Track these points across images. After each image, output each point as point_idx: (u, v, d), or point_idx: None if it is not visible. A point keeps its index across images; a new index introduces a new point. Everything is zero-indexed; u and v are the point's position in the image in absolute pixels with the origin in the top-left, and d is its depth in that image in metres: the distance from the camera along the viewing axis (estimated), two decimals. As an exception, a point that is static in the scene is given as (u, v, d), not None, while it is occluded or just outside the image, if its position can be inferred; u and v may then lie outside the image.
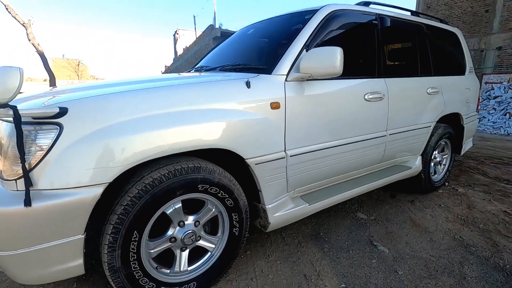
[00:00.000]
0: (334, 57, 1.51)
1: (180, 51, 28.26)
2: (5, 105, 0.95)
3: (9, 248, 1.04)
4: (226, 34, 14.48)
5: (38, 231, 1.05)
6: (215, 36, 14.21)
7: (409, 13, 2.63)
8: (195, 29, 22.74)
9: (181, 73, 2.24)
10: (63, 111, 1.06)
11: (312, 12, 1.91)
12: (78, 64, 36.65)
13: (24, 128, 1.03)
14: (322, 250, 1.96)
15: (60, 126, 1.06)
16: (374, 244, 2.04)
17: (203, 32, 16.62)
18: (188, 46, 22.00)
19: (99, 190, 1.10)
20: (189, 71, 2.49)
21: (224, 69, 2.00)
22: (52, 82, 13.51)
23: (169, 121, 1.24)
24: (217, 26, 14.65)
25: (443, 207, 2.68)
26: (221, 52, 2.56)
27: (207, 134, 1.32)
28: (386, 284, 1.64)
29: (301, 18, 1.94)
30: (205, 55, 2.89)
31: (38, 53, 13.05)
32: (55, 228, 1.07)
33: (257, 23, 2.48)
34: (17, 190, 1.05)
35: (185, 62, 22.72)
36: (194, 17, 22.13)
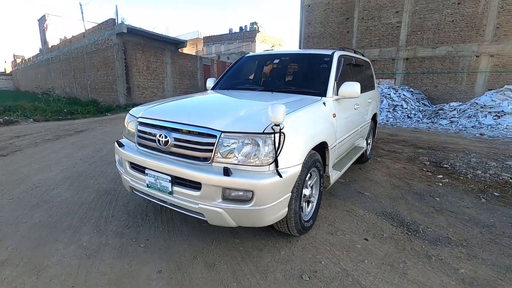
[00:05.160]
0: (357, 87, 2.80)
1: (53, 41, 23.72)
2: (278, 124, 1.78)
3: (269, 203, 1.85)
4: (133, 31, 13.78)
5: (280, 191, 1.90)
6: (120, 31, 13.28)
7: (353, 52, 4.24)
8: (83, 19, 19.75)
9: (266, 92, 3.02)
10: (282, 126, 1.92)
11: (329, 56, 3.15)
12: None
13: (273, 136, 1.85)
14: (341, 200, 3.27)
15: (284, 134, 1.92)
16: (361, 192, 3.52)
17: (99, 25, 14.97)
18: (70, 37, 19.00)
19: (300, 167, 2.03)
20: (229, 88, 3.31)
21: (281, 90, 2.98)
22: None
23: (310, 128, 2.25)
24: (119, 21, 13.64)
25: (376, 169, 4.48)
26: (259, 74, 3.48)
27: (321, 134, 2.39)
28: (376, 204, 3.11)
29: (322, 58, 3.16)
30: (228, 72, 3.69)
31: None
32: (285, 189, 1.94)
33: (279, 55, 3.52)
34: (269, 171, 1.86)
35: (66, 55, 19.51)
36: (80, 5, 18.91)
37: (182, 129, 2.05)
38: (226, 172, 1.81)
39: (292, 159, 1.98)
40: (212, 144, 1.92)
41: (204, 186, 1.89)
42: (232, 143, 1.90)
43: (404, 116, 11.07)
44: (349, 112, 3.23)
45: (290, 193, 2.03)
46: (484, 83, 12.62)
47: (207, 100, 2.87)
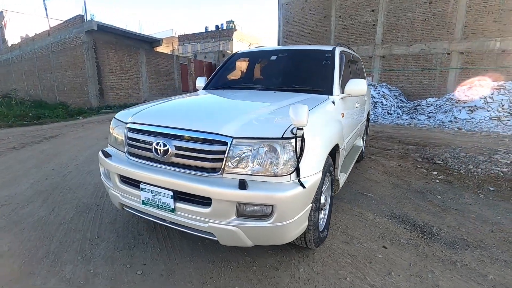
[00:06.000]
0: (363, 85, 2.64)
1: (13, 39, 21.85)
2: (301, 128, 1.54)
3: (291, 217, 1.62)
4: (104, 29, 12.98)
5: (302, 203, 1.67)
6: (90, 29, 12.41)
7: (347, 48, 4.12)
8: (47, 16, 18.26)
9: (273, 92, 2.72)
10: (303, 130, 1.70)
11: (330, 52, 2.97)
12: None
13: (293, 141, 1.61)
14: (346, 203, 3.11)
15: (304, 139, 1.69)
16: (364, 194, 3.39)
17: (66, 22, 13.91)
18: (32, 35, 17.58)
19: (320, 174, 1.81)
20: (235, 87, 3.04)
21: (284, 89, 2.75)
22: None
23: (326, 130, 2.04)
24: (88, 17, 12.77)
25: (372, 168, 4.40)
26: (255, 72, 3.22)
27: (335, 136, 2.19)
28: (383, 206, 2.99)
29: (323, 54, 2.97)
30: (220, 70, 3.40)
31: None
32: (307, 200, 1.72)
33: (276, 51, 3.28)
34: (290, 181, 1.63)
35: (29, 54, 17.99)
36: (44, 0, 17.39)
37: (184, 136, 1.76)
38: (242, 185, 1.56)
39: (313, 166, 1.76)
40: (222, 152, 1.66)
41: (215, 202, 1.62)
42: (246, 151, 1.65)
43: (385, 112, 11.29)
44: (352, 111, 3.09)
45: (311, 204, 1.81)
46: (455, 79, 13.20)
47: (206, 101, 2.58)
